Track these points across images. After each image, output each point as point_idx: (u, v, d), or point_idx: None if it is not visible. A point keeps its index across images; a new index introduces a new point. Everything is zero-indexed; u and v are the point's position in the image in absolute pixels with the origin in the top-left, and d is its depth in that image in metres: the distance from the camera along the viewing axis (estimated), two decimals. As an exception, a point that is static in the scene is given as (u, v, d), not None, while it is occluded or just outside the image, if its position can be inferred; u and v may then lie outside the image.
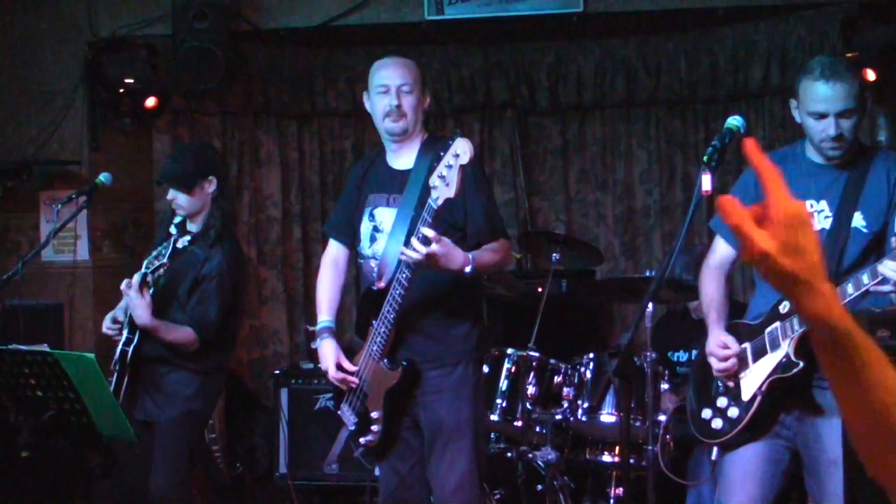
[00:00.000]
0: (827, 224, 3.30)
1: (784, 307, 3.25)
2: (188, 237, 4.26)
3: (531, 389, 5.02)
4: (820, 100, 3.20)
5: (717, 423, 3.38)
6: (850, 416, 1.40)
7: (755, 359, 3.31)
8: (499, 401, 5.01)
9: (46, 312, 5.79)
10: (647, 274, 5.51)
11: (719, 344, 3.37)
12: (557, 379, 5.11)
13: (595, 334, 6.57)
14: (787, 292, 1.37)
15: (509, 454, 5.12)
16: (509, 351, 5.06)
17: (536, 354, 5.05)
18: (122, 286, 4.06)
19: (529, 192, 6.91)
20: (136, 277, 4.03)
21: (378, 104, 3.69)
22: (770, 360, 3.26)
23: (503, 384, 5.03)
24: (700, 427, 3.45)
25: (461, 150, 3.24)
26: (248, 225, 6.71)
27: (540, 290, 5.40)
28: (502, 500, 5.15)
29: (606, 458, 5.03)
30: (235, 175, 6.69)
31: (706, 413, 3.43)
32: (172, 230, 4.23)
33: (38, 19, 6.26)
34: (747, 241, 1.32)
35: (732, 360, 3.34)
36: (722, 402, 3.38)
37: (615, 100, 6.70)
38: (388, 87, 3.64)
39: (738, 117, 3.11)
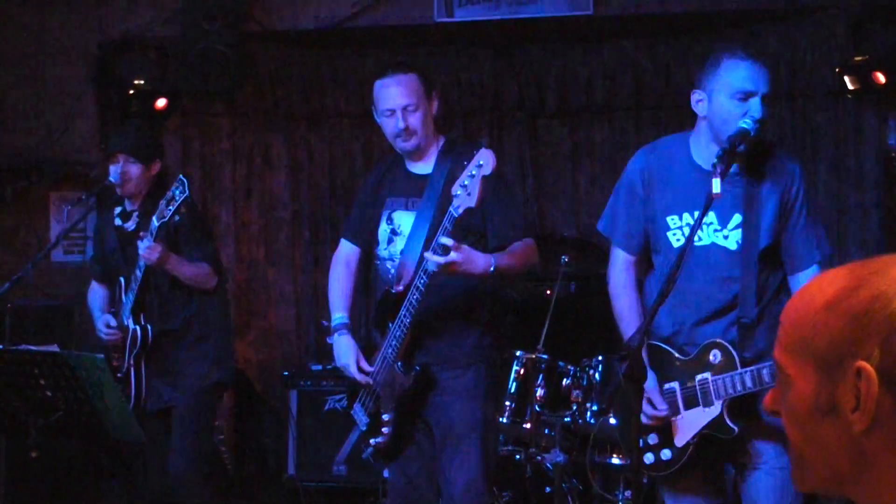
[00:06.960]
0: (719, 238, 3.14)
1: (715, 356, 3.07)
2: (132, 221, 4.34)
3: (540, 391, 5.02)
4: (748, 78, 3.02)
5: (649, 458, 3.22)
6: None
7: (686, 406, 3.12)
8: (507, 403, 5.01)
9: (56, 313, 5.81)
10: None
11: (648, 399, 3.17)
12: (566, 381, 5.10)
13: (604, 337, 6.53)
14: None
15: (518, 456, 5.12)
16: (518, 353, 5.06)
17: (545, 356, 5.05)
18: (144, 252, 4.05)
19: (538, 194, 6.90)
20: (148, 241, 4.05)
21: (386, 126, 3.72)
22: (702, 415, 3.09)
23: (512, 386, 5.03)
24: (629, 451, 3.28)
25: (484, 160, 3.27)
26: (258, 226, 6.72)
27: (549, 292, 5.39)
28: (510, 502, 5.13)
29: (615, 460, 5.02)
30: (245, 176, 6.70)
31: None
32: (118, 221, 4.33)
33: (49, 20, 6.28)
34: None
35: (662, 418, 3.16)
36: (653, 438, 3.22)
37: (624, 102, 6.70)
38: (394, 111, 3.66)
39: (748, 120, 3.06)
